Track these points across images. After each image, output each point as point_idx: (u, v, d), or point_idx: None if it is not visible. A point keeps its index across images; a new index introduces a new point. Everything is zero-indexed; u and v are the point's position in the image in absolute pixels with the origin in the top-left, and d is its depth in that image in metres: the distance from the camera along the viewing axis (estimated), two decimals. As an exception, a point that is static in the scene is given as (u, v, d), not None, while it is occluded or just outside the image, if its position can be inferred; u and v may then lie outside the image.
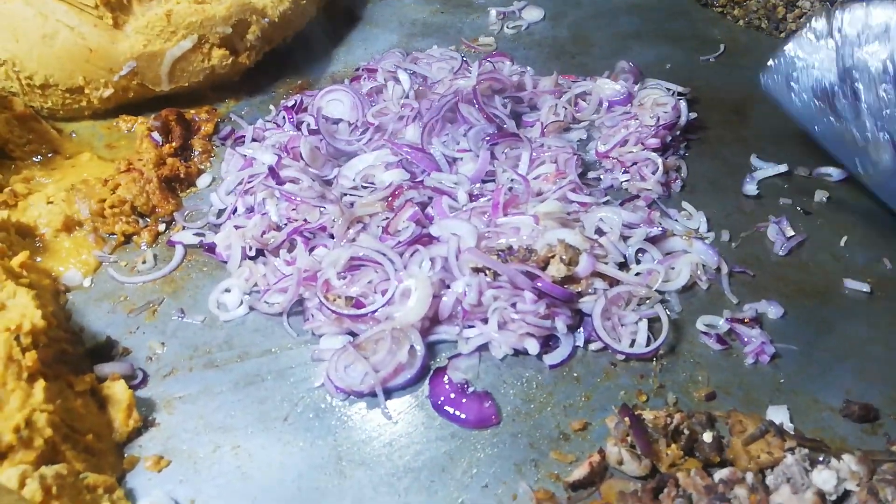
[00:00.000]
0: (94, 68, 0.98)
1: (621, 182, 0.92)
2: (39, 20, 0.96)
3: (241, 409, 0.68)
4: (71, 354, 0.68)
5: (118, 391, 0.66)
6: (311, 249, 0.82)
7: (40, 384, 0.59)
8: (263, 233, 0.83)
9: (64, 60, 0.97)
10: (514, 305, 0.73)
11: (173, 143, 0.96)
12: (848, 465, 0.53)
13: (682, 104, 0.99)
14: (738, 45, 1.18)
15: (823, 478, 0.52)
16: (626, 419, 0.61)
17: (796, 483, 0.49)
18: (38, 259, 0.81)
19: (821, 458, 0.54)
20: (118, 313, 0.77)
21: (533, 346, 0.72)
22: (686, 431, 0.60)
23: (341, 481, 0.62)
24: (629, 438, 0.60)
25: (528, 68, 1.10)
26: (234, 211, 0.87)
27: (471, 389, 0.69)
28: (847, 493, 0.51)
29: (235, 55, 1.05)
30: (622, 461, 0.59)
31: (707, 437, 0.59)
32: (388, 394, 0.69)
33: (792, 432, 0.60)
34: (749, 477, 0.51)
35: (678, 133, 0.97)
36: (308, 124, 0.98)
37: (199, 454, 0.64)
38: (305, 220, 0.83)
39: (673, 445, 0.59)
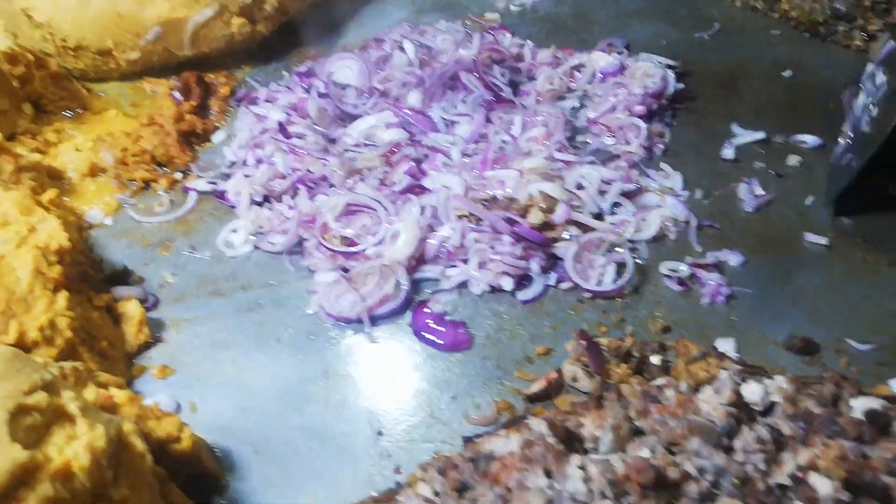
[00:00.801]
0: (123, 33, 1.07)
1: (607, 146, 0.98)
2: (75, -13, 1.05)
3: (241, 331, 0.76)
4: (91, 276, 0.77)
5: (131, 309, 0.74)
6: (313, 197, 0.89)
7: (63, 294, 0.67)
8: (270, 181, 0.91)
9: (95, 25, 1.06)
10: (493, 248, 0.80)
11: (192, 102, 1.04)
12: (778, 383, 0.59)
13: (670, 75, 1.04)
14: (733, 24, 1.22)
15: (751, 389, 0.57)
16: (583, 342, 0.67)
17: (721, 388, 0.55)
18: (66, 199, 0.90)
19: (754, 377, 0.59)
20: (135, 248, 0.85)
21: (508, 284, 0.78)
22: (637, 355, 0.66)
23: (326, 389, 0.70)
24: (584, 359, 0.66)
25: (528, 41, 1.15)
26: (245, 162, 0.95)
27: (448, 318, 0.76)
28: (773, 406, 0.57)
29: (253, 24, 1.13)
30: (576, 378, 0.65)
31: (655, 359, 0.65)
32: (374, 321, 0.76)
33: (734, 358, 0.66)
34: (683, 386, 0.57)
35: (665, 102, 1.03)
36: (318, 88, 1.05)
37: (201, 366, 0.72)
38: (309, 171, 0.91)
39: (623, 366, 0.65)
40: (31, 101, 0.99)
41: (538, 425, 0.52)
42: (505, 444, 0.51)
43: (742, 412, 0.53)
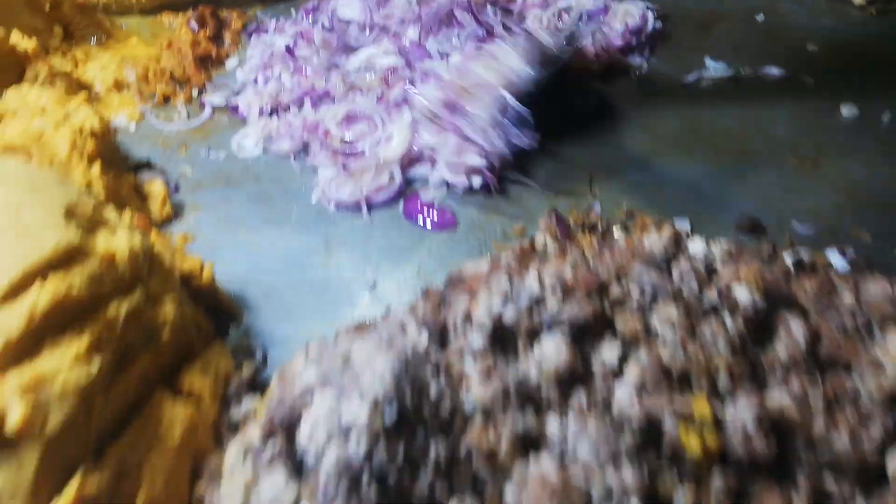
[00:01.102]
0: (145, -33, 1.16)
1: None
2: (102, -79, 1.14)
3: (252, 213, 0.85)
4: (118, 162, 0.86)
5: (156, 188, 0.83)
6: (316, 109, 0.98)
7: (97, 164, 0.76)
8: (278, 94, 1.00)
9: (119, -42, 1.16)
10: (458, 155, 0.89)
11: (207, 32, 1.13)
12: (720, 244, 0.68)
13: (649, 13, 1.13)
14: (712, -24, 1.30)
15: (695, 244, 0.66)
16: (553, 216, 0.75)
17: (664, 234, 0.64)
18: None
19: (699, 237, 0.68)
20: (156, 148, 0.95)
21: (476, 182, 0.87)
22: (601, 228, 0.75)
23: (327, 256, 0.79)
24: (554, 231, 0.75)
25: (519, -14, 1.24)
26: (255, 81, 1.04)
27: (436, 204, 0.85)
28: (713, 272, 0.65)
29: (266, -38, 1.22)
30: (546, 246, 0.74)
31: (616, 230, 0.74)
32: (370, 208, 0.85)
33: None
34: (635, 241, 0.65)
35: (643, 39, 1.12)
36: (322, 22, 1.14)
37: (217, 237, 0.81)
38: (313, 87, 1.00)
39: (588, 235, 0.74)
40: (61, 25, 1.08)
41: (506, 255, 0.60)
42: (476, 266, 0.60)
43: (680, 248, 0.62)
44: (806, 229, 0.79)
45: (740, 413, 0.51)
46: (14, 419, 0.43)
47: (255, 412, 0.59)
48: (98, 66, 1.03)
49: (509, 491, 0.50)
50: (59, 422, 0.45)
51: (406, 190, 0.88)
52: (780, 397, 0.53)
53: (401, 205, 0.86)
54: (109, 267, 0.52)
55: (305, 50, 1.06)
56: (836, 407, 0.55)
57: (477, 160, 0.87)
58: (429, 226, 0.83)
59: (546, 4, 1.19)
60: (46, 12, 1.04)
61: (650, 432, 0.50)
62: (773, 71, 1.05)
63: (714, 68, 1.06)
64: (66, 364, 0.46)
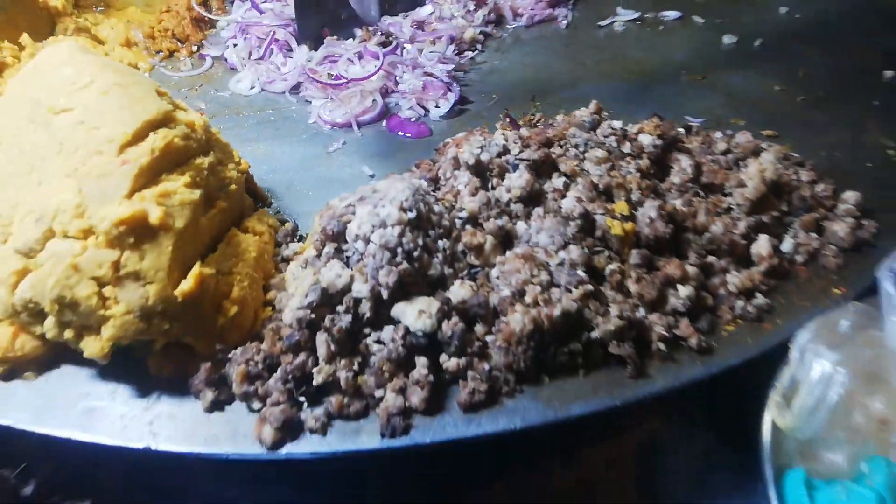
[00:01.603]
0: (136, -56, 1.33)
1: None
2: None
3: (261, 132, 1.04)
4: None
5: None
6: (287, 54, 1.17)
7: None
8: (260, 45, 1.19)
9: (114, -63, 1.32)
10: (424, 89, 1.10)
11: (198, -1, 1.31)
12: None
13: (570, -25, 1.38)
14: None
15: (615, 122, 0.89)
16: (507, 116, 0.98)
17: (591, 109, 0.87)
18: (110, 61, 1.15)
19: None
20: (170, 90, 1.11)
21: (438, 108, 1.08)
22: (541, 123, 0.98)
23: (329, 160, 0.99)
24: (507, 128, 0.97)
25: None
26: (236, 37, 1.23)
27: (414, 120, 1.06)
28: (626, 133, 0.88)
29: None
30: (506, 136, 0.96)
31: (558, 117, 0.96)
32: (360, 126, 1.06)
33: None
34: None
35: (566, -4, 1.36)
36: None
37: (237, 149, 0.99)
38: (274, 34, 1.18)
39: (535, 127, 0.96)
40: (69, -6, 1.24)
41: (477, 130, 0.82)
42: (458, 135, 0.82)
43: (601, 117, 0.85)
44: (696, 120, 1.04)
45: (647, 210, 0.74)
46: (154, 216, 0.62)
47: (299, 251, 0.78)
48: (108, 27, 1.20)
49: (494, 273, 0.71)
50: (182, 223, 0.64)
51: (387, 112, 1.08)
52: (674, 202, 0.77)
53: (384, 123, 1.07)
54: (192, 132, 0.71)
55: (273, 5, 1.25)
56: (714, 210, 0.79)
57: (440, 93, 1.09)
58: (409, 136, 1.04)
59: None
60: (59, -19, 1.20)
61: (587, 225, 0.73)
62: (671, 14, 1.31)
63: (624, 13, 1.31)
64: (179, 188, 0.65)
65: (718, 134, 0.98)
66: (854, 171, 0.94)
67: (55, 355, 0.69)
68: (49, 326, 0.64)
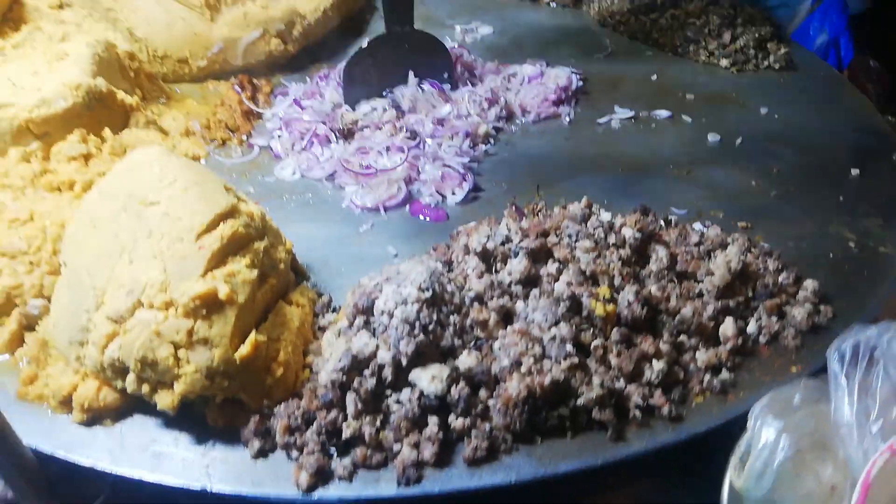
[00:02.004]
0: (195, 46, 1.53)
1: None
2: (164, 13, 1.51)
3: (302, 215, 1.20)
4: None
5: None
6: (325, 147, 1.35)
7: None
8: (294, 141, 1.36)
9: (177, 40, 1.52)
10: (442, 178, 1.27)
11: (247, 93, 1.50)
12: (619, 215, 1.06)
13: (573, 76, 1.55)
14: (620, 48, 1.74)
15: (604, 214, 1.04)
16: (513, 205, 1.13)
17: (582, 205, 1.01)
18: (172, 148, 1.34)
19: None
20: (223, 176, 1.29)
21: (455, 197, 1.24)
22: (544, 212, 1.13)
23: (359, 239, 1.14)
24: (513, 216, 1.12)
25: (479, 58, 1.66)
26: (280, 129, 1.41)
27: (433, 206, 1.22)
28: (612, 226, 1.02)
29: (286, 44, 1.60)
30: (508, 226, 1.11)
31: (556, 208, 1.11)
32: (386, 210, 1.22)
33: (602, 212, 1.12)
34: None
35: (570, 94, 1.53)
36: (330, 83, 1.52)
37: (280, 229, 1.15)
38: (315, 129, 1.36)
39: (536, 217, 1.11)
40: (140, 88, 1.43)
41: (486, 220, 0.97)
42: (469, 225, 0.97)
43: (592, 212, 1.00)
44: (680, 212, 1.18)
45: (626, 294, 0.88)
46: (223, 292, 0.77)
47: (334, 321, 0.93)
48: (170, 118, 1.38)
49: (496, 345, 0.85)
50: (243, 298, 0.79)
51: (410, 198, 1.24)
52: (651, 287, 0.91)
53: (407, 207, 1.22)
54: (251, 221, 0.87)
55: (312, 102, 1.43)
56: (686, 295, 0.92)
57: (456, 182, 1.25)
58: (429, 219, 1.19)
59: (498, 71, 1.60)
60: (132, 79, 1.39)
61: (575, 306, 0.86)
62: (662, 113, 1.47)
63: (620, 112, 1.48)
64: (241, 269, 0.80)
65: (697, 224, 1.13)
66: (817, 260, 1.08)
67: (130, 406, 0.83)
68: (130, 382, 0.78)
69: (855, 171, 1.27)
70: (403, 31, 1.46)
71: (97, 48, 1.27)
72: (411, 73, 1.45)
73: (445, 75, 1.49)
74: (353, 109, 1.41)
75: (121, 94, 1.26)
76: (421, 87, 1.45)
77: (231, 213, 0.84)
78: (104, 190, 0.88)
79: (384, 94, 1.45)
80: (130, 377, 0.78)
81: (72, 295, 0.84)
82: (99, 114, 1.19)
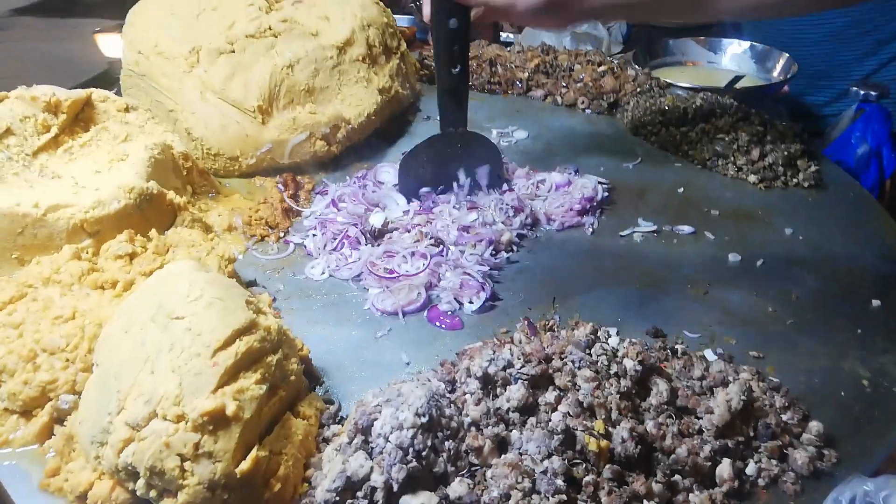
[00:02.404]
0: (246, 146, 1.65)
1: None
2: (220, 116, 1.64)
3: (326, 316, 1.26)
4: (240, 281, 1.28)
5: (263, 297, 1.25)
6: (355, 248, 1.42)
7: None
8: (334, 238, 1.44)
9: (230, 140, 1.64)
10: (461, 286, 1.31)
11: (289, 191, 1.60)
12: (628, 339, 1.08)
13: (600, 187, 1.60)
14: (650, 158, 1.79)
15: (613, 339, 1.06)
16: (526, 321, 1.17)
17: (588, 331, 1.04)
18: (214, 243, 1.43)
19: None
20: (258, 272, 1.38)
21: (471, 305, 1.28)
22: (556, 329, 1.15)
23: (377, 345, 1.19)
24: (526, 331, 1.15)
25: (512, 162, 1.73)
26: (315, 228, 1.49)
27: (450, 313, 1.26)
28: (616, 353, 1.04)
29: (329, 145, 1.71)
30: (521, 340, 1.14)
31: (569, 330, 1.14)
32: (405, 314, 1.27)
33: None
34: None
35: (595, 204, 1.58)
36: (366, 185, 1.62)
37: (303, 330, 1.20)
38: (347, 231, 1.44)
39: (547, 332, 1.14)
40: (190, 184, 1.55)
41: (491, 342, 1.01)
42: (474, 346, 1.01)
43: (597, 338, 1.02)
44: (693, 335, 1.20)
45: (620, 431, 0.89)
46: (230, 409, 0.82)
47: (338, 433, 0.97)
48: (216, 214, 1.49)
49: (489, 473, 0.87)
50: (249, 414, 0.84)
51: (429, 303, 1.30)
52: (647, 424, 0.92)
53: (425, 313, 1.27)
54: (267, 335, 0.93)
55: (348, 203, 1.52)
56: (684, 432, 0.93)
57: (474, 291, 1.30)
58: (444, 327, 1.24)
59: (528, 177, 1.66)
60: (184, 175, 1.51)
61: (569, 439, 0.88)
62: (686, 228, 1.50)
63: (644, 225, 1.51)
64: (250, 385, 0.86)
65: (709, 352, 1.13)
66: (827, 398, 1.07)
67: (139, 506, 0.88)
68: (140, 486, 0.83)
69: (876, 303, 1.26)
70: (457, 132, 1.55)
71: (154, 151, 1.39)
72: (461, 173, 1.56)
73: (496, 174, 1.57)
74: (409, 201, 1.54)
75: (170, 195, 1.37)
76: (460, 186, 1.54)
77: (249, 328, 0.90)
78: (139, 298, 0.96)
79: (420, 198, 1.53)
80: (140, 482, 0.83)
81: (99, 395, 0.90)
82: (148, 213, 1.29)
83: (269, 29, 1.73)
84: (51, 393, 0.98)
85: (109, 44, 2.73)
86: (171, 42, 1.69)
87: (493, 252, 1.42)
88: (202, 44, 1.67)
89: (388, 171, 1.66)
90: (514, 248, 1.46)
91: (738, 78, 2.18)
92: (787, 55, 2.22)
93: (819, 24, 2.23)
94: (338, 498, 0.82)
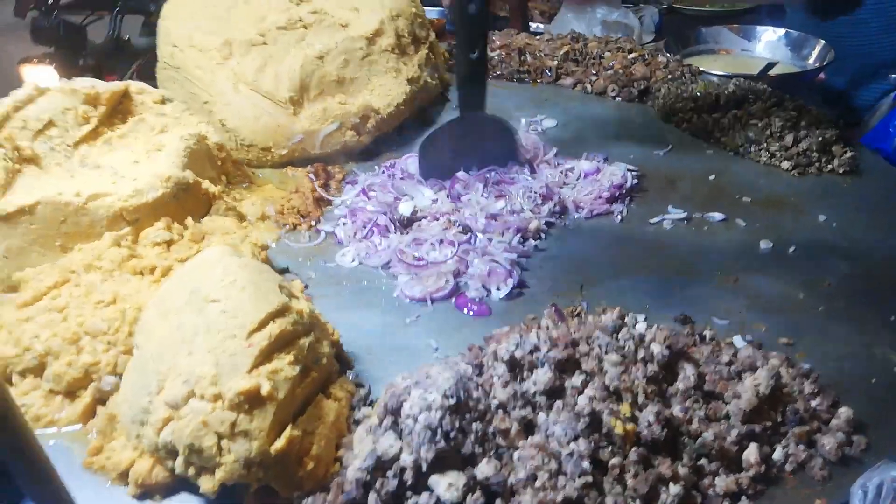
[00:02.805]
0: (278, 137, 1.68)
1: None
2: (253, 108, 1.67)
3: (356, 302, 1.28)
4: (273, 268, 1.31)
5: (296, 284, 1.28)
6: (385, 236, 1.44)
7: (265, 268, 1.22)
8: (364, 226, 1.46)
9: (263, 131, 1.68)
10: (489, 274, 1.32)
11: (320, 181, 1.63)
12: (655, 325, 1.08)
13: (629, 174, 1.60)
14: (681, 145, 1.77)
15: (640, 324, 1.06)
16: (553, 307, 1.17)
17: (615, 315, 1.04)
18: (247, 231, 1.47)
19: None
20: (290, 260, 1.41)
21: (499, 292, 1.30)
22: (583, 314, 1.16)
23: (405, 330, 1.21)
24: (553, 318, 1.16)
25: (543, 143, 1.72)
26: (346, 216, 1.52)
27: (478, 300, 1.28)
28: (643, 338, 1.04)
29: (359, 135, 1.74)
30: (548, 326, 1.15)
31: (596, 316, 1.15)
32: (433, 301, 1.28)
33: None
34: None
35: (624, 192, 1.57)
36: (395, 174, 1.63)
37: (334, 316, 1.22)
38: (377, 220, 1.46)
39: (574, 318, 1.15)
40: (225, 174, 1.59)
41: (518, 326, 1.02)
42: (501, 330, 1.02)
43: (624, 322, 1.03)
44: (721, 322, 1.19)
45: (647, 414, 0.90)
46: (265, 389, 0.85)
47: (368, 415, 0.99)
48: (249, 203, 1.52)
49: (516, 455, 0.89)
50: (283, 394, 0.87)
51: (457, 290, 1.31)
52: (674, 408, 0.92)
53: (453, 300, 1.29)
54: (300, 318, 0.95)
55: (378, 192, 1.54)
56: (711, 417, 0.93)
57: (502, 278, 1.31)
58: (472, 314, 1.25)
59: (557, 165, 1.67)
60: (219, 166, 1.55)
61: (595, 422, 0.89)
62: (716, 216, 1.49)
63: (674, 212, 1.50)
64: (284, 366, 0.89)
65: (738, 338, 1.13)
66: (858, 384, 1.06)
67: (177, 485, 0.91)
68: (179, 464, 0.87)
69: (911, 290, 1.24)
70: (475, 115, 1.57)
71: (190, 141, 1.43)
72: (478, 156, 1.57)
73: (513, 158, 1.59)
74: (431, 186, 1.56)
75: (205, 184, 1.41)
76: (486, 176, 1.55)
77: (281, 311, 0.93)
78: (176, 283, 1.00)
79: (443, 180, 1.55)
80: (179, 460, 0.86)
81: (139, 377, 0.94)
82: (184, 202, 1.33)
83: (300, 21, 1.75)
84: (93, 375, 1.02)
85: (37, 75, 2.60)
86: (204, 35, 1.72)
87: (522, 240, 1.43)
88: (235, 36, 1.70)
89: (415, 161, 1.68)
90: (542, 235, 1.46)
91: (771, 65, 2.15)
92: (823, 42, 2.18)
93: (879, 11, 2.16)
94: (368, 476, 0.84)
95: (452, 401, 0.88)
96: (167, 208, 1.30)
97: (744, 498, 0.88)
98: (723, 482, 0.88)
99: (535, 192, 1.53)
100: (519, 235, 1.43)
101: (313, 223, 1.52)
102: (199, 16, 1.77)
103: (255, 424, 0.84)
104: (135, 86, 1.54)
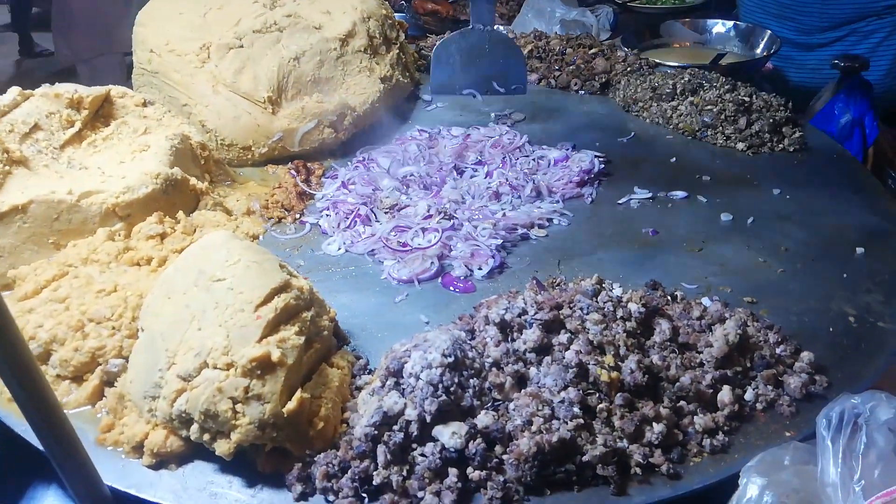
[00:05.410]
0: (258, 136, 1.73)
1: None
2: (232, 108, 1.72)
3: (345, 286, 1.34)
4: (262, 257, 1.36)
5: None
6: (368, 225, 1.50)
7: (258, 255, 1.26)
8: (340, 219, 1.52)
9: (242, 130, 1.72)
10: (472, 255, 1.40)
11: (302, 177, 1.68)
12: (630, 289, 1.16)
13: (597, 160, 1.68)
14: (644, 132, 1.87)
15: (617, 289, 1.14)
16: (534, 280, 1.25)
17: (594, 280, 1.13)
18: (234, 225, 1.51)
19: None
20: (278, 251, 1.45)
21: (483, 272, 1.37)
22: (562, 285, 1.24)
23: (395, 308, 1.27)
24: (535, 289, 1.24)
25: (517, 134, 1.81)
26: (328, 208, 1.57)
27: (463, 278, 1.35)
28: (620, 300, 1.13)
29: (337, 133, 1.79)
30: (525, 300, 1.22)
31: (570, 284, 1.22)
32: (419, 282, 1.35)
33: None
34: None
35: (592, 176, 1.66)
36: (369, 166, 1.70)
37: (325, 299, 1.29)
38: (358, 210, 1.52)
39: (556, 289, 1.23)
40: (208, 172, 1.63)
41: (506, 294, 1.09)
42: (489, 299, 1.09)
43: (602, 287, 1.11)
44: (690, 286, 1.28)
45: (629, 363, 0.98)
46: (275, 356, 0.90)
47: (369, 381, 1.05)
48: (234, 200, 1.57)
49: (511, 406, 0.95)
50: (291, 361, 0.92)
51: (442, 272, 1.38)
52: (653, 358, 1.00)
53: (440, 280, 1.36)
54: (301, 294, 1.01)
55: (357, 184, 1.61)
56: (687, 365, 1.02)
57: (484, 259, 1.38)
58: (458, 291, 1.32)
59: (529, 153, 1.75)
60: (202, 165, 1.59)
61: (582, 372, 0.96)
62: (679, 194, 1.58)
63: (639, 193, 1.60)
64: (291, 336, 0.94)
65: (706, 299, 1.22)
66: (818, 334, 1.16)
67: (191, 453, 0.96)
68: (194, 431, 0.91)
69: (860, 251, 1.35)
70: (485, 29, 1.68)
71: (174, 141, 1.47)
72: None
73: (517, 81, 1.69)
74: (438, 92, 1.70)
75: (193, 181, 1.45)
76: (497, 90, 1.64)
77: (284, 287, 0.98)
78: (179, 267, 1.04)
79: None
80: (195, 427, 0.91)
81: (147, 356, 0.98)
82: (174, 198, 1.37)
83: (275, 24, 1.81)
84: (100, 358, 1.06)
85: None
86: (181, 40, 1.77)
87: (511, 228, 1.49)
88: (212, 40, 1.75)
89: (385, 155, 1.75)
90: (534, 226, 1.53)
91: (721, 55, 2.28)
92: (770, 31, 2.32)
93: None
94: (376, 432, 0.90)
95: (451, 359, 0.94)
96: (157, 203, 1.34)
97: (720, 434, 0.96)
98: (701, 420, 0.96)
99: (513, 179, 1.61)
100: (505, 222, 1.50)
101: (297, 216, 1.57)
102: (175, 22, 1.81)
103: (268, 388, 0.89)
104: (116, 90, 1.58)
